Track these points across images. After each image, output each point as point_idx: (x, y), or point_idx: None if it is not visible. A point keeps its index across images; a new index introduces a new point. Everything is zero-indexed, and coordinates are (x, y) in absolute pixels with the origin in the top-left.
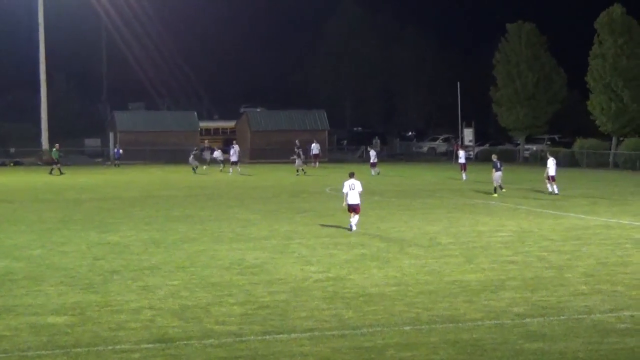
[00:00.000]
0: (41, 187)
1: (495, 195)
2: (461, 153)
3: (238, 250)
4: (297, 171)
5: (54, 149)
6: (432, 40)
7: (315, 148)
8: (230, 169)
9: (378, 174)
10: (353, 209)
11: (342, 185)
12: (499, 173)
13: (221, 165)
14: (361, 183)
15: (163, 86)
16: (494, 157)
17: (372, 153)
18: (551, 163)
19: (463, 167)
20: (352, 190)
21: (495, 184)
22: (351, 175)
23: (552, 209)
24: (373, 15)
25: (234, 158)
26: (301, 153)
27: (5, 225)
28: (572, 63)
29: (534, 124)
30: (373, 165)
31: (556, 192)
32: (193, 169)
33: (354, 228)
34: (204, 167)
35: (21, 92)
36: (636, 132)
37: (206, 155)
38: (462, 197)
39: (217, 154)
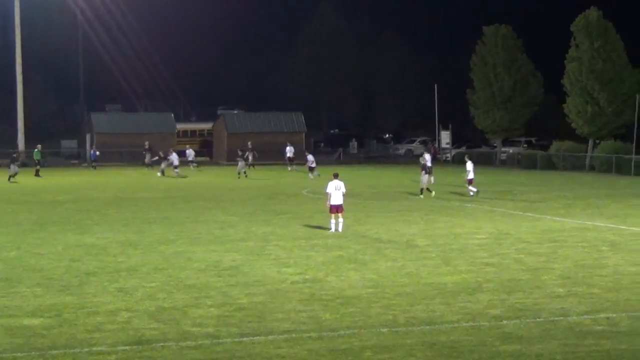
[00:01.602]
0: (17, 189)
1: (422, 196)
2: (427, 156)
3: (215, 252)
4: (239, 174)
5: (36, 150)
6: (409, 43)
7: (289, 151)
8: (176, 171)
9: (318, 175)
10: (336, 209)
11: (327, 186)
12: (427, 176)
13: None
14: (345, 184)
15: (140, 88)
16: (422, 160)
17: (310, 158)
18: (470, 166)
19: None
20: (337, 191)
21: (422, 186)
22: (335, 176)
23: (529, 211)
24: (350, 18)
25: (176, 162)
26: (247, 156)
27: None
28: (548, 66)
29: (510, 127)
30: (311, 169)
31: (471, 194)
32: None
33: (340, 230)
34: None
35: None
36: (612, 135)
37: (148, 158)
38: (438, 199)
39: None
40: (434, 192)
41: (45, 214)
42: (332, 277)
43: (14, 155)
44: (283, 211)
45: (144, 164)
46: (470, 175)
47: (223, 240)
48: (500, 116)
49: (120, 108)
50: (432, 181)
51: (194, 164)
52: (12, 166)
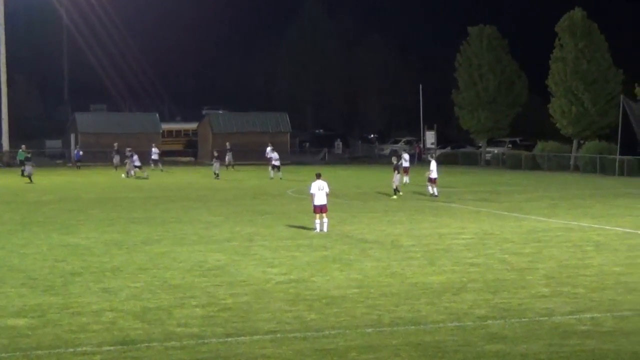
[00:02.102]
0: (0, 189)
1: (395, 197)
2: (406, 156)
3: (200, 252)
4: (215, 174)
5: (21, 150)
6: (394, 43)
7: (269, 152)
8: (133, 172)
9: (280, 179)
10: (320, 209)
11: (310, 187)
12: (399, 176)
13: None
14: (328, 184)
15: (125, 88)
16: (395, 160)
17: (275, 155)
18: (433, 165)
19: (405, 170)
20: (321, 191)
21: (394, 186)
22: (318, 177)
23: (513, 211)
24: (335, 18)
25: (137, 162)
26: (227, 157)
27: None
28: (533, 66)
29: (495, 127)
30: (276, 167)
31: (436, 194)
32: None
33: (325, 230)
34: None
35: None
36: (596, 135)
37: (116, 159)
38: (423, 199)
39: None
40: (396, 197)
41: (29, 214)
42: (317, 277)
43: (28, 155)
44: (268, 211)
45: (113, 165)
46: (433, 175)
47: (208, 241)
48: (485, 116)
49: (104, 108)
50: (406, 181)
51: (158, 164)
52: (27, 166)
